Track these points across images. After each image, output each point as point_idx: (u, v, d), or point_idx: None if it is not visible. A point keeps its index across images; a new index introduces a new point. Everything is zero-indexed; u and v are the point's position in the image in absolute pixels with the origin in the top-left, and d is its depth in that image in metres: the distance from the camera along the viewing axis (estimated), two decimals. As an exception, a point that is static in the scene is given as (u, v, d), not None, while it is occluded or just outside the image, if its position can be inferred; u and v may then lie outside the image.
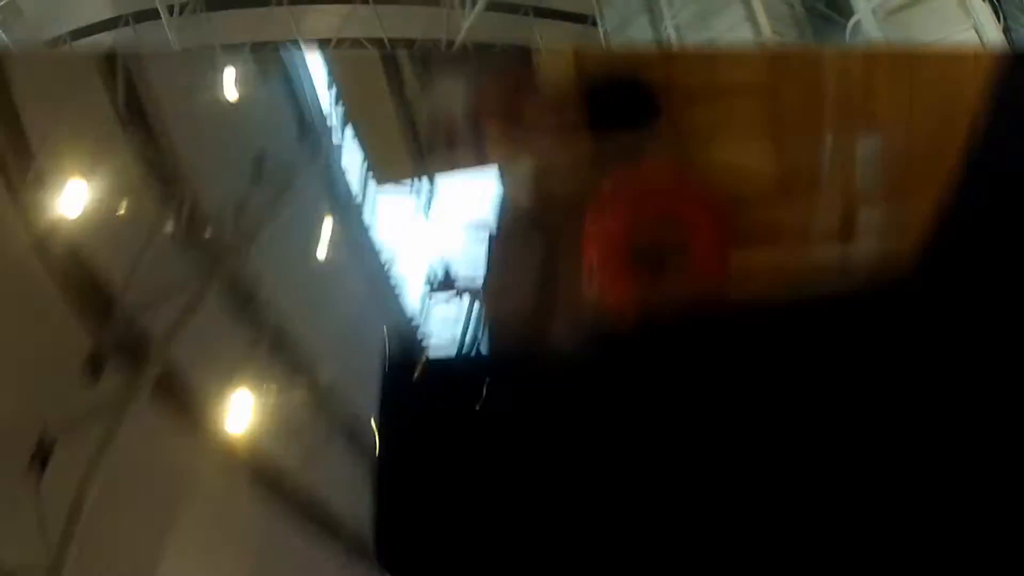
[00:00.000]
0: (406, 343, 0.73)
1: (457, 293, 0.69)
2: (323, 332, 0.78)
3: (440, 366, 0.71)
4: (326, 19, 12.09)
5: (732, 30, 7.15)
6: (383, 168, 0.79)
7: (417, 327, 0.74)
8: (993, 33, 5.34)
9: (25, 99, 0.77)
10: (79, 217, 0.78)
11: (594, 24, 11.41)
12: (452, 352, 0.72)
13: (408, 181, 0.78)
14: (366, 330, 0.77)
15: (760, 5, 6.90)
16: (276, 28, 12.18)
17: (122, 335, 0.71)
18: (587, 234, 0.66)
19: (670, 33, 8.14)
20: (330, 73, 0.83)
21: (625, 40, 9.75)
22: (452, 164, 0.75)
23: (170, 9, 10.77)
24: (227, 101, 0.91)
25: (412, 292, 0.74)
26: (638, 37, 9.40)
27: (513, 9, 11.95)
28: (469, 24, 10.50)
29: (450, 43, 11.20)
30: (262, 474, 0.68)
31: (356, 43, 12.24)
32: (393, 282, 0.77)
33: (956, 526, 0.56)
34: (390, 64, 0.96)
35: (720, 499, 0.61)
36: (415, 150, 0.83)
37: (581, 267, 0.67)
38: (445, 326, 0.69)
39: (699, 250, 0.68)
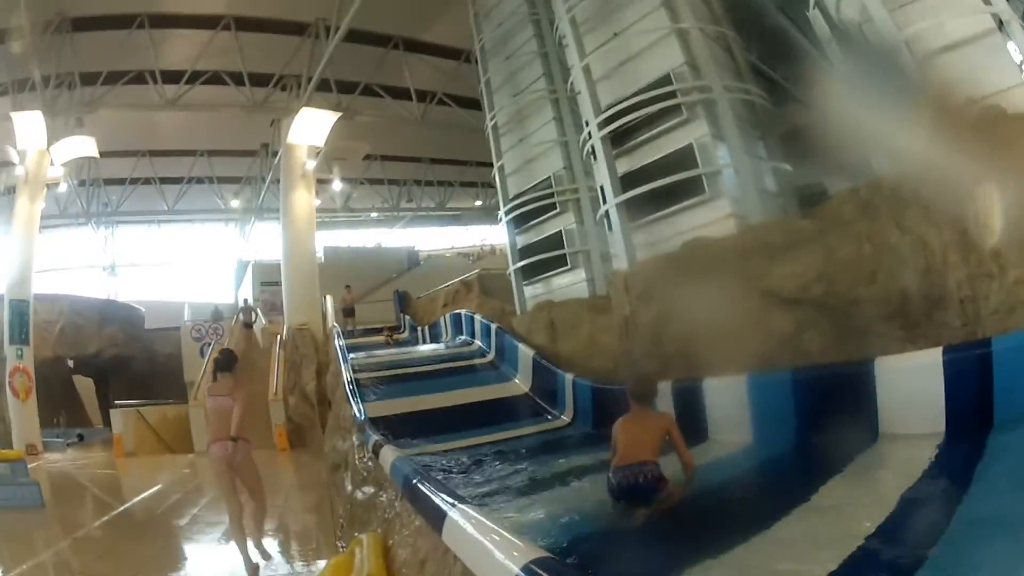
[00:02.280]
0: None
1: None
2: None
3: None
4: (185, 47, 11.32)
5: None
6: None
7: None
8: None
9: None
10: None
11: (467, 60, 10.84)
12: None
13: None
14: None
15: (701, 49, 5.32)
16: (135, 56, 11.40)
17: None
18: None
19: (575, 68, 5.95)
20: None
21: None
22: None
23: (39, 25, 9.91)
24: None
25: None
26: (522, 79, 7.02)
27: (382, 42, 11.42)
28: (328, 55, 9.86)
29: (310, 78, 10.61)
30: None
31: (215, 77, 11.53)
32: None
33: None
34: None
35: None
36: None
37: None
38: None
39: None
